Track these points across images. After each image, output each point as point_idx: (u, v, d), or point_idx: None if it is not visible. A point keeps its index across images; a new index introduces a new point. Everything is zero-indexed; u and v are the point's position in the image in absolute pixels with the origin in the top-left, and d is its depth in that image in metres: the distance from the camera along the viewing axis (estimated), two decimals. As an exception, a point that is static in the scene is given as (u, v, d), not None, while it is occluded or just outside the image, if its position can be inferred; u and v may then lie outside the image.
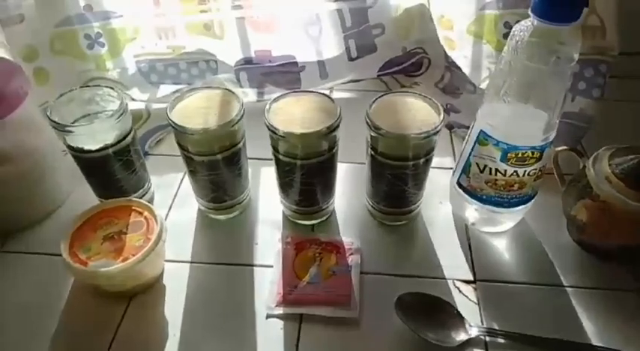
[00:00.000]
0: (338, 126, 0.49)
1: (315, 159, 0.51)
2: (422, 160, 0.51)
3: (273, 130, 0.49)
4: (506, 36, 0.63)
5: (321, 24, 0.69)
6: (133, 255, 0.47)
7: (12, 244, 0.57)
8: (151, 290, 0.52)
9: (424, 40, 0.76)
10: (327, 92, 0.52)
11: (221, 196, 0.56)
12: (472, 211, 0.56)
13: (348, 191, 0.61)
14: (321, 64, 0.72)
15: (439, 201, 0.60)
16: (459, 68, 0.72)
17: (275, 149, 0.51)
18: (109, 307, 0.50)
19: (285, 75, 0.74)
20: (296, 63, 0.71)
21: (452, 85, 0.76)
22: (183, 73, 0.73)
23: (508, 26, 0.64)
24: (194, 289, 0.52)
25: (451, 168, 0.64)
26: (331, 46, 0.71)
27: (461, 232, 0.57)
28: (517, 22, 0.44)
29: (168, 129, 0.71)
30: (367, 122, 0.50)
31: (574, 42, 0.43)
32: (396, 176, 0.52)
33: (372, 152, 0.52)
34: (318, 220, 0.58)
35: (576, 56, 0.43)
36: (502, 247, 0.55)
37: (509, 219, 0.56)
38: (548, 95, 0.46)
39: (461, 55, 0.68)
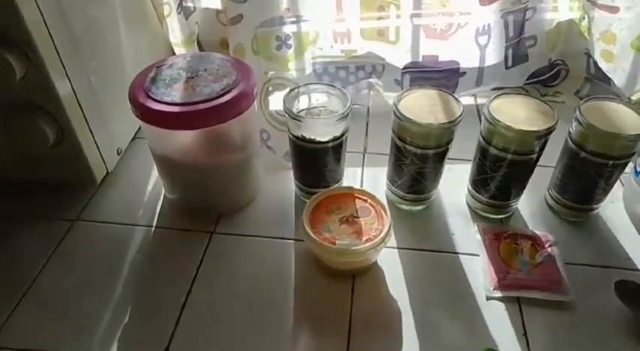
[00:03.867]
0: (555, 129, 0.54)
1: (525, 156, 0.56)
2: (623, 161, 0.56)
3: (492, 123, 0.54)
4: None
5: (491, 33, 0.74)
6: (374, 236, 0.52)
7: (223, 226, 0.62)
8: (370, 271, 0.57)
9: (566, 53, 0.82)
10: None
11: (422, 188, 0.61)
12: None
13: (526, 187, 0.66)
14: (480, 71, 0.77)
15: (611, 201, 0.65)
16: (604, 79, 0.77)
17: (487, 142, 0.57)
18: (338, 285, 0.55)
19: (437, 81, 0.79)
20: (458, 69, 0.77)
21: (590, 95, 0.81)
22: (351, 76, 0.78)
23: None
24: (410, 272, 0.57)
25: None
26: (493, 54, 0.76)
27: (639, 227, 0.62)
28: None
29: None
30: (579, 120, 0.55)
31: None
32: (597, 173, 0.57)
33: (575, 148, 0.57)
34: (506, 215, 0.63)
35: None
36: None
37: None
38: None
39: (619, 67, 0.73)
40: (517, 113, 0.55)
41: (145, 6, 0.75)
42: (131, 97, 0.54)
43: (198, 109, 0.52)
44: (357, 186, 0.67)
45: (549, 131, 0.54)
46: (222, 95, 0.54)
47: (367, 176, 0.69)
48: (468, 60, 0.77)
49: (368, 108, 0.82)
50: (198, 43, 0.83)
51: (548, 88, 0.84)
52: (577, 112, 0.56)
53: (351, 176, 0.68)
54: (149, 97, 0.53)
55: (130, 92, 0.55)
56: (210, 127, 0.54)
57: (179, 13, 0.76)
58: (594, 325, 0.51)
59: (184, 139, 0.56)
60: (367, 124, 0.79)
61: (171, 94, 0.53)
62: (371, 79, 0.81)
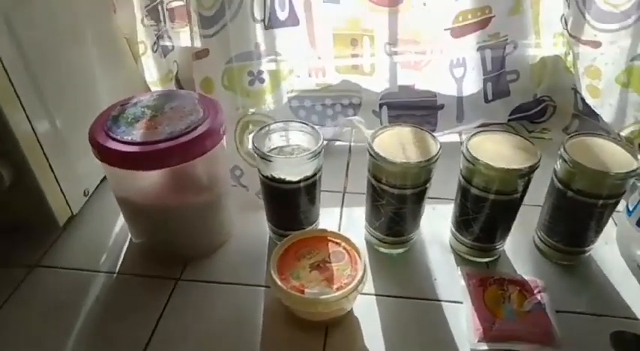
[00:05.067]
0: (538, 167, 0.51)
1: (508, 196, 0.53)
2: (612, 201, 0.53)
3: (471, 161, 0.51)
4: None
5: (466, 66, 0.73)
6: (346, 284, 0.48)
7: (190, 272, 0.58)
8: (345, 321, 0.52)
9: (553, 88, 0.80)
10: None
11: (401, 230, 0.58)
12: (645, 253, 0.57)
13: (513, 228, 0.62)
14: (459, 102, 0.75)
15: (605, 241, 0.61)
16: (593, 116, 0.75)
17: (468, 182, 0.53)
18: (309, 337, 0.51)
19: (420, 118, 0.77)
20: (435, 100, 0.75)
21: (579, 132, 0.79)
22: (328, 109, 0.76)
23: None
24: (388, 322, 0.52)
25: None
26: (472, 86, 0.75)
27: (636, 272, 0.58)
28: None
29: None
30: (564, 158, 0.52)
31: None
32: (587, 214, 0.54)
33: (562, 187, 0.53)
34: (492, 258, 0.59)
35: None
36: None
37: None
38: None
39: (606, 102, 0.70)
40: (498, 151, 0.52)
41: (121, 45, 0.74)
42: (90, 137, 0.52)
43: (158, 149, 0.49)
44: (334, 228, 0.64)
45: (532, 169, 0.51)
46: (186, 134, 0.51)
47: (346, 217, 0.66)
48: (445, 91, 0.75)
49: (350, 146, 0.79)
50: (177, 80, 0.82)
51: (535, 125, 0.82)
52: (562, 149, 0.53)
53: (328, 217, 0.65)
54: (109, 136, 0.51)
55: (90, 131, 0.52)
56: (174, 167, 0.52)
57: (154, 52, 0.74)
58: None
59: (147, 179, 0.53)
60: (348, 163, 0.76)
61: (131, 133, 0.51)
62: (352, 117, 0.79)
